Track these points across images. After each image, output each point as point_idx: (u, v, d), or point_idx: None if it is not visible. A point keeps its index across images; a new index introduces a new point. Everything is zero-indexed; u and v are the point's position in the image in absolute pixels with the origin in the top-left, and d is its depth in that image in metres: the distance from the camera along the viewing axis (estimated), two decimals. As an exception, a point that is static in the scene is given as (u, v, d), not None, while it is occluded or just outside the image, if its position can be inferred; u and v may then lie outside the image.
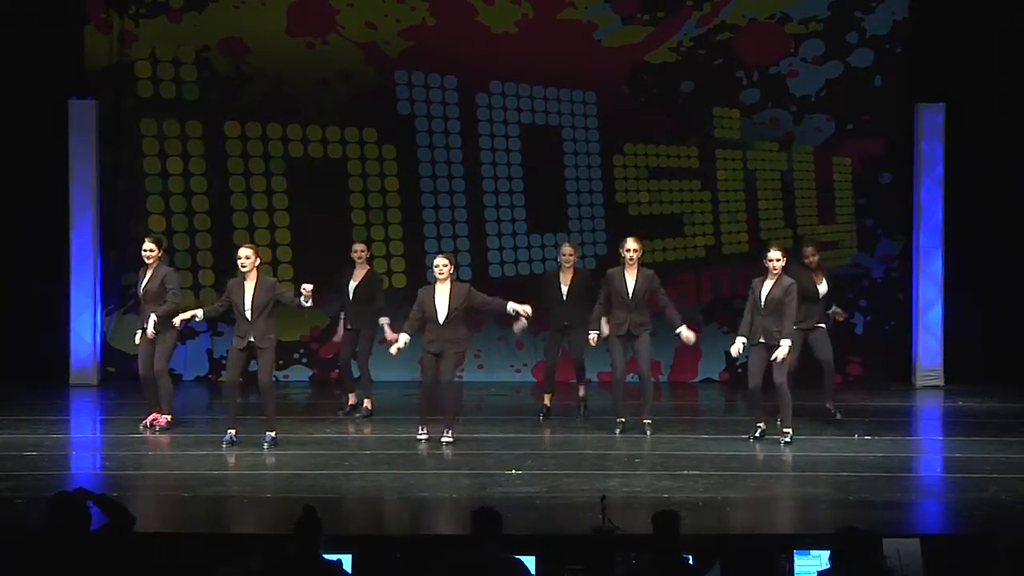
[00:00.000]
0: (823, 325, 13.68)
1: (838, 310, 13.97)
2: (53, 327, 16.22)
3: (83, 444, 13.45)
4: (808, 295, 13.34)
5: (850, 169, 16.95)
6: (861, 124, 16.85)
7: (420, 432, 12.67)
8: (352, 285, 14.01)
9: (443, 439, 12.51)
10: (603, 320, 13.16)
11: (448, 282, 12.56)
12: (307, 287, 12.21)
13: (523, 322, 12.88)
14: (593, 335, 13.22)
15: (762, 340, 12.50)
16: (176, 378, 16.29)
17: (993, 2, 16.16)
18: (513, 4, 16.69)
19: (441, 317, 12.51)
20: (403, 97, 16.73)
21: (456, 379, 12.99)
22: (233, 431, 12.49)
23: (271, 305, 12.37)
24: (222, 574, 7.39)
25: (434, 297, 12.57)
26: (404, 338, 12.71)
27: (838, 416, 13.65)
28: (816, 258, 13.72)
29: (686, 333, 13.15)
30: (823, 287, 13.64)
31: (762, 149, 16.96)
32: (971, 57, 16.25)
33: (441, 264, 12.61)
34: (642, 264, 13.22)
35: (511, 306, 12.61)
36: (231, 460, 12.05)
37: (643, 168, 16.94)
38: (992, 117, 16.28)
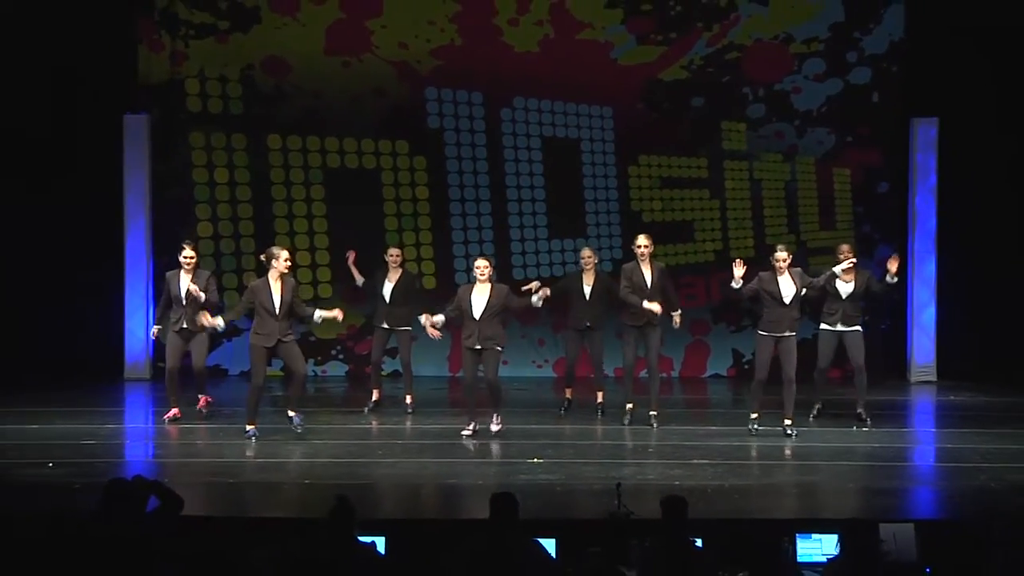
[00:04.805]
0: (859, 328, 13.29)
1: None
2: (109, 325, 16.24)
3: (136, 433, 13.46)
4: (831, 290, 13.16)
5: (849, 179, 16.90)
6: (860, 137, 16.80)
7: (467, 427, 12.55)
8: (388, 287, 13.87)
9: (492, 427, 12.50)
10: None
11: (488, 283, 12.49)
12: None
13: (542, 293, 12.63)
14: (656, 306, 12.83)
15: (786, 333, 12.48)
16: (222, 373, 16.38)
17: (983, 23, 16.07)
18: (536, 25, 16.67)
19: (477, 314, 12.39)
20: (433, 112, 16.72)
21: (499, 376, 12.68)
22: (254, 427, 12.35)
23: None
24: (263, 555, 7.37)
25: (471, 295, 12.46)
26: (439, 318, 12.60)
27: (868, 423, 13.17)
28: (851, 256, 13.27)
29: (676, 320, 13.29)
30: (849, 287, 13.17)
31: (767, 160, 16.91)
32: (963, 74, 16.19)
33: (482, 266, 12.52)
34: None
35: (535, 298, 12.53)
36: (271, 449, 12.03)
37: (656, 178, 16.90)
38: (983, 130, 16.23)
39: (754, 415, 12.66)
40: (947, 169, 16.35)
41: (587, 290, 13.61)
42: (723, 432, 12.90)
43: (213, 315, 12.69)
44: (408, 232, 16.67)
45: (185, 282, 13.11)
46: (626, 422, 13.10)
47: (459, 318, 12.56)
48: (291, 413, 12.38)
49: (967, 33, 16.07)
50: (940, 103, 16.34)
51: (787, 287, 12.48)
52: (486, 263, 12.58)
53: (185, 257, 13.17)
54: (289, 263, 12.37)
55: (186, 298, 13.05)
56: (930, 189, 16.42)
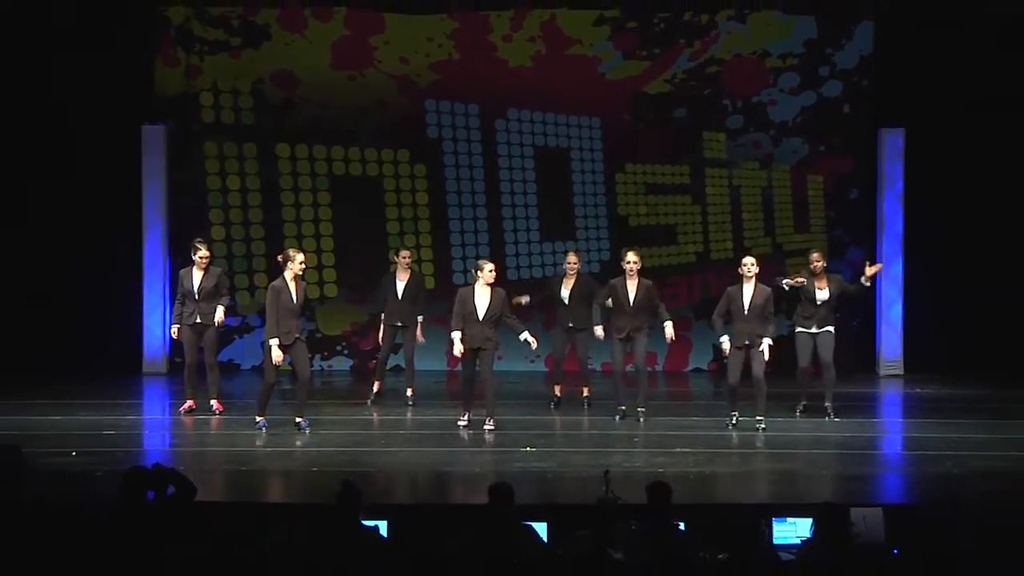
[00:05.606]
0: (831, 329, 13.10)
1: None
2: (128, 323, 16.24)
3: (153, 424, 13.46)
4: (807, 296, 13.09)
5: (822, 186, 16.93)
6: (832, 146, 16.83)
7: (462, 418, 12.50)
8: (401, 286, 13.75)
9: (486, 426, 12.29)
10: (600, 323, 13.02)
11: (488, 286, 12.36)
12: None
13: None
14: (599, 330, 13.06)
15: (746, 343, 12.36)
16: (235, 367, 16.37)
17: (946, 40, 16.12)
18: (528, 42, 16.68)
19: (480, 315, 12.30)
20: (432, 123, 16.73)
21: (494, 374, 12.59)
22: (264, 418, 12.32)
23: None
24: (272, 539, 7.37)
25: (474, 297, 12.32)
26: (457, 335, 12.33)
27: (834, 417, 13.02)
28: (821, 264, 13.11)
29: (669, 331, 12.82)
30: (824, 293, 13.03)
31: (745, 168, 16.94)
32: (928, 88, 16.23)
33: (489, 268, 12.36)
34: (641, 272, 12.95)
35: (525, 335, 12.46)
36: (281, 439, 12.02)
37: (641, 184, 16.92)
38: (945, 140, 16.26)
39: (734, 412, 12.55)
40: (913, 176, 16.38)
41: (565, 293, 13.53)
42: (704, 423, 12.91)
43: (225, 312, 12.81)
44: (409, 235, 16.67)
45: (198, 278, 13.11)
46: (618, 419, 12.95)
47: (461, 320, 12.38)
48: (298, 419, 12.31)
49: (931, 49, 16.11)
50: (907, 114, 16.38)
51: (748, 297, 12.36)
52: (492, 266, 12.44)
53: (201, 256, 13.15)
54: (304, 265, 12.32)
55: (199, 293, 13.06)
56: (897, 195, 16.46)
